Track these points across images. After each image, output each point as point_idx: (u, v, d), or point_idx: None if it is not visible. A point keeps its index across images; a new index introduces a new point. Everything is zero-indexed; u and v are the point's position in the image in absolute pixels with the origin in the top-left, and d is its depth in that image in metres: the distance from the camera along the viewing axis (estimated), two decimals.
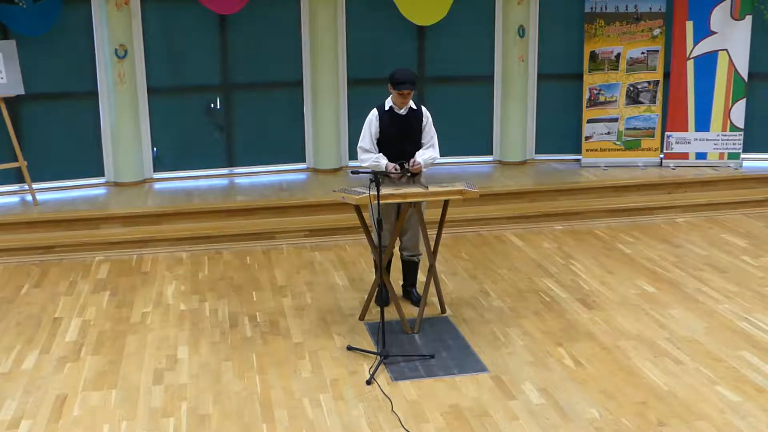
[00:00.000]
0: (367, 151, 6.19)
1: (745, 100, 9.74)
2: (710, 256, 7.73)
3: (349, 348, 5.80)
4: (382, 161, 6.10)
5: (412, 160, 6.12)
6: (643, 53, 9.85)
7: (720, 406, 5.01)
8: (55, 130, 9.18)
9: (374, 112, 6.23)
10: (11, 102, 8.82)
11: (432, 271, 6.28)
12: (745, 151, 9.89)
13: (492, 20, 10.00)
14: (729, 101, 9.75)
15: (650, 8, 9.77)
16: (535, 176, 9.64)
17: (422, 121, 6.25)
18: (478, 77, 10.13)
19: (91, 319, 6.44)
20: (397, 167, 6.03)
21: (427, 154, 6.25)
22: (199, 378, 5.45)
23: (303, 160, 9.97)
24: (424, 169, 6.24)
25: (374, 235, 6.14)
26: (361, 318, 6.34)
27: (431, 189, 6.00)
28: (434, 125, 6.32)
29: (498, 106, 10.19)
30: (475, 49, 10.03)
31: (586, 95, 9.95)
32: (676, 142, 9.88)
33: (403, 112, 6.18)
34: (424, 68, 9.98)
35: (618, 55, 9.86)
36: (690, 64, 9.77)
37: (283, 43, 9.67)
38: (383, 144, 6.22)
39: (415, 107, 6.23)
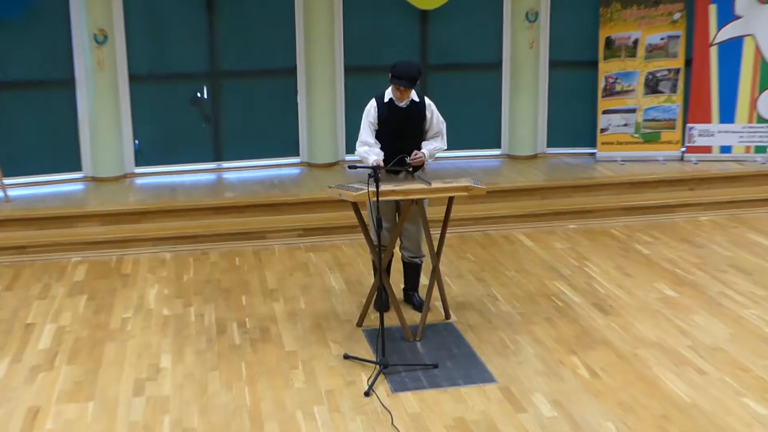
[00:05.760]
0: (365, 143, 6.16)
1: None
2: (735, 257, 7.71)
3: (346, 357, 5.77)
4: (371, 156, 6.06)
5: (414, 152, 6.08)
6: (662, 39, 9.82)
7: (747, 419, 4.98)
8: (29, 121, 9.13)
9: (372, 103, 6.21)
10: None
11: (435, 274, 6.25)
12: None
13: (500, 3, 9.97)
14: (756, 91, 9.72)
15: None
16: (547, 171, 9.60)
17: (425, 114, 6.22)
18: (485, 65, 10.10)
19: (67, 325, 6.41)
20: (381, 163, 5.97)
21: (434, 144, 6.22)
22: (184, 389, 5.41)
23: (296, 154, 9.95)
24: (428, 160, 6.21)
25: (373, 235, 6.11)
26: (359, 324, 6.31)
27: (434, 185, 5.97)
28: None
29: (506, 96, 10.16)
30: (482, 35, 10.00)
31: (601, 84, 9.92)
32: (699, 135, 9.85)
33: (403, 104, 6.15)
34: (427, 55, 9.95)
35: (636, 41, 9.83)
36: (713, 51, 9.74)
37: (276, 27, 9.64)
38: (381, 138, 6.19)
39: (417, 99, 6.20)
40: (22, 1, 8.70)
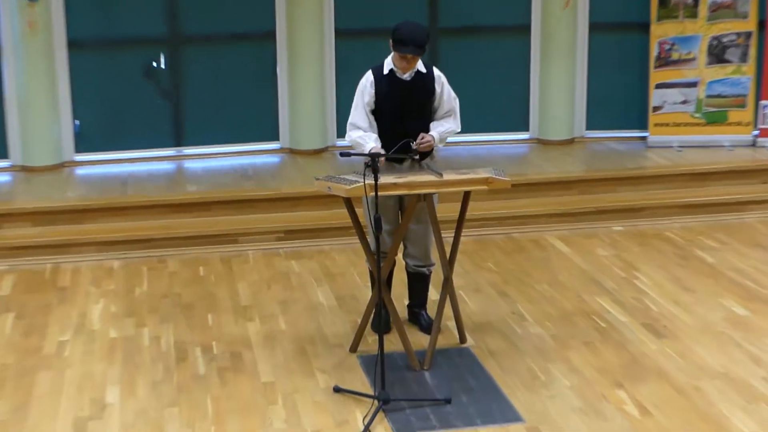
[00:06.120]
0: (358, 127, 6.16)
1: None
2: None
3: (337, 389, 5.78)
4: (367, 142, 6.05)
5: (421, 135, 6.07)
6: None
7: None
8: None
9: (368, 77, 6.21)
10: None
11: (447, 287, 6.25)
12: None
13: None
14: None
15: None
16: (586, 160, 9.62)
17: (434, 88, 6.22)
18: (510, 28, 10.12)
19: None
20: (381, 151, 5.95)
21: (445, 126, 6.22)
22: (135, 429, 5.41)
23: (276, 138, 9.97)
24: (438, 145, 6.21)
25: (370, 239, 6.10)
26: (353, 349, 6.31)
27: (446, 177, 5.97)
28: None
29: (536, 67, 10.17)
30: None
31: (654, 52, 9.92)
32: None
33: (407, 77, 6.15)
34: (437, 16, 9.96)
35: None
36: None
37: None
38: (380, 120, 6.19)
39: (424, 70, 6.20)
40: None
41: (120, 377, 6.00)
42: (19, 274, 7.77)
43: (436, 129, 6.19)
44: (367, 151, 5.94)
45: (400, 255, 6.52)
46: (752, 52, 9.86)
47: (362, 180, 5.64)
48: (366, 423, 5.36)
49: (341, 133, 9.73)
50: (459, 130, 6.31)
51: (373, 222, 5.61)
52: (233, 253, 8.17)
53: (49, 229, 8.22)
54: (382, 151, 5.95)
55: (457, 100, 6.31)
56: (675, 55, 9.91)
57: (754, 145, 9.89)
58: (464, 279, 7.49)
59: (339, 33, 9.86)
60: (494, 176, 6.02)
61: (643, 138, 10.09)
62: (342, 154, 5.80)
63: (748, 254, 8.01)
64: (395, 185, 5.85)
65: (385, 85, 6.16)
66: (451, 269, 6.26)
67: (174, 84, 9.72)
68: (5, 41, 9.17)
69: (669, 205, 8.92)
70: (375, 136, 6.12)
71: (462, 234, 6.37)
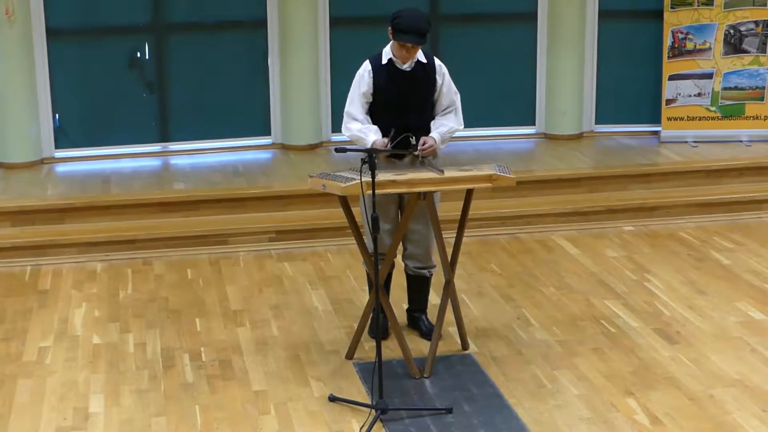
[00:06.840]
0: (355, 119, 6.19)
1: None
2: None
3: (332, 398, 5.81)
4: (369, 135, 6.08)
5: (422, 139, 6.12)
6: None
7: None
8: None
9: (366, 67, 6.23)
10: None
11: (449, 290, 6.28)
12: None
13: None
14: None
15: None
16: (596, 156, 9.63)
17: (435, 79, 6.24)
18: (515, 15, 10.13)
19: None
20: (388, 142, 5.99)
21: (446, 125, 6.25)
22: None
23: (267, 133, 9.98)
24: (440, 147, 6.25)
25: (368, 240, 6.15)
26: (349, 356, 6.34)
27: (448, 174, 5.99)
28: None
29: (543, 57, 10.18)
30: None
31: (667, 41, 9.93)
32: None
33: (407, 67, 6.18)
34: (438, 2, 9.96)
35: None
36: None
37: None
38: (378, 112, 6.21)
39: (424, 60, 6.23)
40: None
41: (104, 385, 6.02)
42: None
43: (437, 130, 6.19)
44: (369, 146, 5.97)
45: (399, 257, 6.57)
46: None
47: (359, 177, 5.65)
48: None
49: (336, 127, 9.77)
50: (462, 128, 6.32)
51: (370, 222, 5.62)
52: (223, 254, 8.19)
53: (29, 229, 8.24)
54: (386, 144, 5.99)
55: (459, 95, 6.32)
56: (689, 45, 9.92)
57: None
58: (467, 282, 7.51)
59: (335, 21, 9.85)
60: (498, 173, 6.04)
61: (656, 133, 10.11)
62: (338, 150, 5.76)
63: (765, 255, 8.02)
64: (394, 183, 5.85)
65: (384, 75, 6.17)
66: (452, 272, 6.28)
67: (159, 75, 9.73)
68: None
69: (683, 204, 8.93)
70: (375, 128, 6.13)
71: (464, 234, 6.38)
